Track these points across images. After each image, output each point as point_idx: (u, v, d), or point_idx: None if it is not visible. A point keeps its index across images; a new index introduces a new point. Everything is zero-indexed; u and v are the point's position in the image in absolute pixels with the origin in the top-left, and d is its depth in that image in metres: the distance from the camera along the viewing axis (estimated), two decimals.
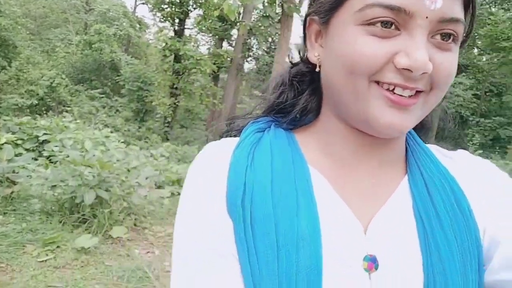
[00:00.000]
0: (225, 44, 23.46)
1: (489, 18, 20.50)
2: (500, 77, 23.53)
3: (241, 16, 16.66)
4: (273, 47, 20.48)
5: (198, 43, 22.23)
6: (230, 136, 0.66)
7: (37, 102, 16.94)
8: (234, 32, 20.31)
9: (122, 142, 7.91)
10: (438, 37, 0.50)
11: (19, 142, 7.04)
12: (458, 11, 0.50)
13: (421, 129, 0.68)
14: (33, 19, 26.03)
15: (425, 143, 0.67)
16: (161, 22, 19.00)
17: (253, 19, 17.70)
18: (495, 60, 22.67)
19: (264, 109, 0.67)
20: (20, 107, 16.11)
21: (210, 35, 23.82)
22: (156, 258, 3.77)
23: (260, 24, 12.91)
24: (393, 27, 0.49)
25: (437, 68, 0.50)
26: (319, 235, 0.51)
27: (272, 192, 0.53)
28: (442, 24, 0.49)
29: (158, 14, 18.99)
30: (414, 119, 0.53)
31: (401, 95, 0.50)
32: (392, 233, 0.55)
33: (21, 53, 18.06)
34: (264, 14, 6.41)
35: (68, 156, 4.36)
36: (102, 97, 19.22)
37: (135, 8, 27.46)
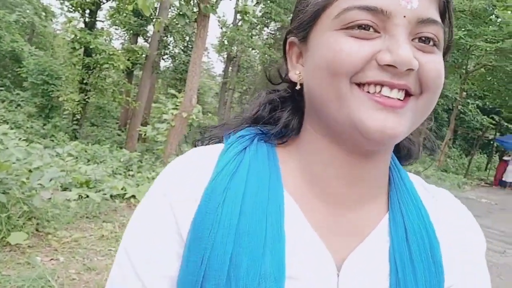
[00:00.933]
0: (140, 40, 22.73)
1: None
2: None
3: (157, 12, 16.26)
4: (190, 46, 20.27)
5: (111, 37, 21.25)
6: (203, 144, 0.64)
7: None
8: (150, 28, 19.77)
9: (23, 140, 7.28)
10: (417, 40, 0.49)
11: None
12: (434, 14, 0.50)
13: (407, 157, 0.65)
14: None
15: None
16: (70, 12, 17.84)
17: (169, 16, 17.37)
18: None
19: (248, 120, 0.65)
20: None
21: (124, 29, 22.91)
22: (61, 265, 3.53)
23: (176, 22, 12.71)
24: (371, 30, 0.48)
25: (423, 67, 0.48)
26: (283, 276, 0.49)
27: (238, 228, 0.50)
28: (421, 26, 0.49)
29: (67, 3, 17.81)
30: (408, 124, 0.49)
31: (389, 97, 0.48)
32: (365, 276, 0.54)
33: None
34: (180, 13, 6.33)
35: None
36: (1, 90, 17.57)
37: None
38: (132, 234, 0.55)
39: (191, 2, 6.89)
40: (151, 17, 15.51)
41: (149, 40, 20.09)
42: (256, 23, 24.25)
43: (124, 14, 17.93)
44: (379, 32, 0.48)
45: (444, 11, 0.52)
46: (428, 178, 12.59)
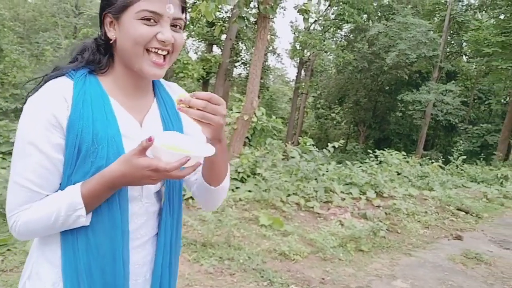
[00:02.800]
0: (215, 49, 23.44)
1: (474, 24, 20.55)
2: (488, 84, 23.61)
3: (230, 19, 16.57)
4: None
5: (186, 48, 22.14)
6: (52, 79, 1.04)
7: (21, 106, 16.73)
8: (224, 37, 20.28)
9: None
10: (173, 26, 1.04)
11: None
12: (181, 14, 1.05)
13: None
14: (21, 23, 25.89)
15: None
16: None
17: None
18: (483, 67, 22.74)
19: (82, 62, 1.09)
20: (4, 111, 15.92)
21: (200, 40, 23.79)
22: None
23: (240, 26, 12.86)
24: (152, 21, 0.99)
25: (176, 40, 1.03)
26: (119, 134, 1.02)
27: (92, 117, 0.99)
28: (174, 20, 1.03)
29: None
30: (165, 70, 1.07)
31: (159, 60, 1.03)
32: (152, 125, 1.12)
33: (7, 56, 17.87)
34: (240, 15, 6.34)
35: None
36: None
37: None
38: (27, 130, 0.96)
39: (249, 4, 6.90)
40: (213, 22, 15.83)
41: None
42: (329, 25, 23.83)
43: (198, 25, 18.61)
44: (156, 22, 1.00)
45: (183, 10, 1.07)
46: None
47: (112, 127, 1.01)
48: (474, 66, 24.78)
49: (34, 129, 0.95)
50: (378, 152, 10.69)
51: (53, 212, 0.95)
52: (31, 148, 0.95)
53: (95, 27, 23.28)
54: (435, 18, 24.77)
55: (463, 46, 24.91)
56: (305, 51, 23.66)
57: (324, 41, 22.45)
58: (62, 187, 1.00)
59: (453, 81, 22.09)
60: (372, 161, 9.73)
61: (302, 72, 26.31)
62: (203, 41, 23.61)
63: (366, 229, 5.33)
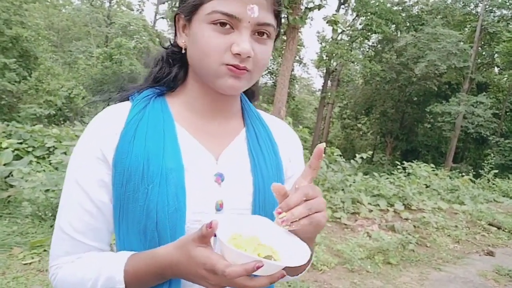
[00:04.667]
0: None
1: (506, 36, 20.06)
2: None
3: None
4: None
5: None
6: (117, 102, 0.90)
7: (55, 113, 17.32)
8: None
9: None
10: (257, 34, 0.79)
11: (30, 149, 7.17)
12: (269, 18, 0.79)
13: (250, 94, 1.00)
14: (56, 32, 26.81)
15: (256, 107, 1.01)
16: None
17: None
18: None
19: (148, 81, 0.92)
20: (38, 117, 16.46)
21: None
22: None
23: None
24: (228, 26, 0.76)
25: (256, 54, 0.79)
26: (181, 166, 0.80)
27: (145, 149, 0.79)
28: (258, 26, 0.78)
29: None
30: (244, 85, 0.82)
31: (236, 68, 0.78)
32: (234, 161, 0.88)
33: (41, 64, 18.53)
34: None
35: (62, 161, 4.37)
36: None
37: (154, 22, 28.00)
38: (76, 165, 0.82)
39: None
40: None
41: None
42: (356, 36, 23.72)
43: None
44: (233, 29, 0.76)
45: (278, 13, 0.83)
46: None
47: (170, 160, 0.79)
48: (506, 78, 24.15)
49: (80, 165, 0.81)
50: (406, 164, 10.53)
51: (90, 280, 0.76)
52: (75, 187, 0.81)
53: (126, 36, 23.92)
54: (466, 29, 24.33)
55: (494, 57, 24.33)
56: (332, 61, 23.60)
57: (351, 51, 22.38)
58: (116, 236, 0.83)
59: (484, 93, 21.56)
60: (400, 173, 9.58)
61: (329, 82, 26.22)
62: None
63: (395, 242, 5.25)
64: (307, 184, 0.73)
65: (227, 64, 0.77)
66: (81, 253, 0.81)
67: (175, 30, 0.87)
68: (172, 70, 0.89)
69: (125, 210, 0.79)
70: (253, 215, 0.83)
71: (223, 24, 0.76)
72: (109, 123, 0.83)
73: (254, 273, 0.61)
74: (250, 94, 1.00)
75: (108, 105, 0.89)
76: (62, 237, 0.81)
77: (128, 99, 0.89)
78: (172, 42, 0.91)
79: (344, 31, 23.10)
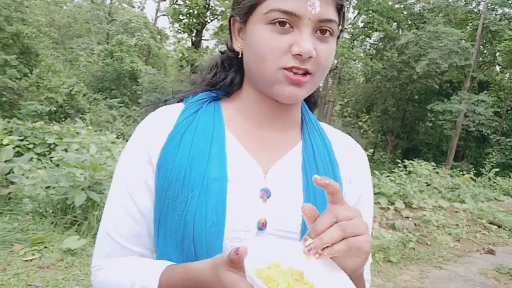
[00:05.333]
0: None
1: (508, 34, 20.01)
2: None
3: None
4: None
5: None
6: (171, 103, 0.87)
7: (55, 109, 17.29)
8: None
9: None
10: (319, 32, 0.71)
11: (30, 146, 7.17)
12: (331, 14, 0.71)
13: (311, 102, 0.94)
14: (57, 29, 26.79)
15: (319, 120, 0.92)
16: (179, 33, 19.25)
17: None
18: None
19: (202, 85, 0.88)
20: (39, 114, 16.44)
21: None
22: None
23: None
24: (287, 25, 0.70)
25: (319, 54, 0.71)
26: (225, 177, 0.74)
27: (189, 155, 0.75)
28: (320, 23, 0.70)
29: (176, 25, 19.28)
30: (305, 92, 0.75)
31: (296, 74, 0.71)
32: (284, 177, 0.79)
33: (42, 61, 18.51)
34: None
35: (63, 158, 4.37)
36: (121, 107, 19.41)
37: (156, 19, 27.97)
38: (123, 165, 0.80)
39: None
40: None
41: None
42: (357, 34, 23.67)
43: (227, 32, 18.78)
44: (292, 28, 0.70)
45: (341, 8, 0.75)
46: None
47: (213, 169, 0.74)
48: (507, 76, 24.09)
49: (127, 167, 0.80)
50: (407, 162, 10.52)
51: (125, 286, 0.74)
52: (121, 190, 0.79)
53: (127, 33, 23.89)
54: (468, 27, 24.27)
55: (496, 55, 24.27)
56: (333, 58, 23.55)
57: (352, 49, 22.32)
58: (155, 244, 0.81)
59: (485, 91, 21.51)
60: (401, 171, 9.58)
61: (330, 80, 26.18)
62: None
63: (395, 240, 5.25)
64: (339, 205, 0.63)
65: (286, 68, 0.71)
66: (122, 256, 0.80)
67: (230, 34, 0.82)
68: (228, 75, 0.85)
69: (164, 218, 0.75)
70: (287, 241, 0.71)
71: (282, 23, 0.69)
72: (158, 125, 0.80)
73: None
74: (312, 102, 0.93)
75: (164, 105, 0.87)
76: (105, 239, 0.80)
77: (182, 101, 0.86)
78: (228, 47, 0.87)
79: (345, 29, 23.06)
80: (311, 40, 0.69)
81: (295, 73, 0.71)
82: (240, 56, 0.81)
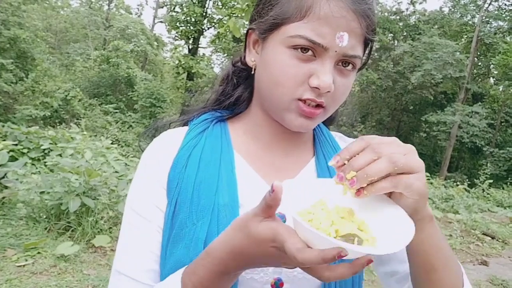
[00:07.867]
0: None
1: (502, 47, 20.27)
2: None
3: None
4: None
5: (212, 62, 22.49)
6: (177, 126, 0.84)
7: (50, 114, 17.22)
8: None
9: (123, 155, 7.92)
10: (341, 64, 0.68)
11: (25, 151, 7.14)
12: (358, 50, 0.67)
13: (328, 122, 0.90)
14: (54, 33, 26.78)
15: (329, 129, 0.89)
16: (176, 40, 19.31)
17: None
18: (511, 90, 22.32)
19: (209, 103, 0.84)
20: (34, 118, 16.37)
21: (225, 55, 24.11)
22: None
23: None
24: (309, 52, 0.65)
25: (337, 89, 0.68)
26: (236, 203, 0.69)
27: (196, 179, 0.70)
28: (345, 57, 0.67)
29: (173, 31, 19.34)
30: (316, 123, 0.74)
31: (309, 108, 0.68)
32: None
33: (38, 66, 18.47)
34: None
35: (58, 163, 4.36)
36: (116, 112, 19.35)
37: (153, 26, 27.99)
38: (132, 194, 0.75)
39: None
40: (240, 38, 16.15)
41: None
42: None
43: (224, 40, 18.88)
44: (315, 57, 0.66)
45: (368, 43, 0.71)
46: None
47: (224, 194, 0.69)
48: (501, 89, 24.33)
49: (138, 192, 0.74)
50: None
51: None
52: (134, 217, 0.72)
53: (123, 39, 23.91)
54: (462, 39, 24.56)
55: (490, 68, 24.53)
56: None
57: None
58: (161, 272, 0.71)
59: (479, 103, 21.73)
60: None
61: None
62: (227, 56, 23.94)
63: None
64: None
65: (301, 99, 0.67)
66: None
67: (245, 45, 0.77)
68: (235, 92, 0.81)
69: (170, 250, 0.68)
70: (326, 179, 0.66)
71: (304, 49, 0.65)
72: (162, 149, 0.75)
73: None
74: (329, 119, 0.86)
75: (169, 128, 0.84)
76: (118, 278, 0.71)
77: (187, 124, 0.82)
78: (241, 59, 0.81)
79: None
80: (331, 74, 0.65)
81: (308, 105, 0.68)
82: (252, 72, 0.76)
